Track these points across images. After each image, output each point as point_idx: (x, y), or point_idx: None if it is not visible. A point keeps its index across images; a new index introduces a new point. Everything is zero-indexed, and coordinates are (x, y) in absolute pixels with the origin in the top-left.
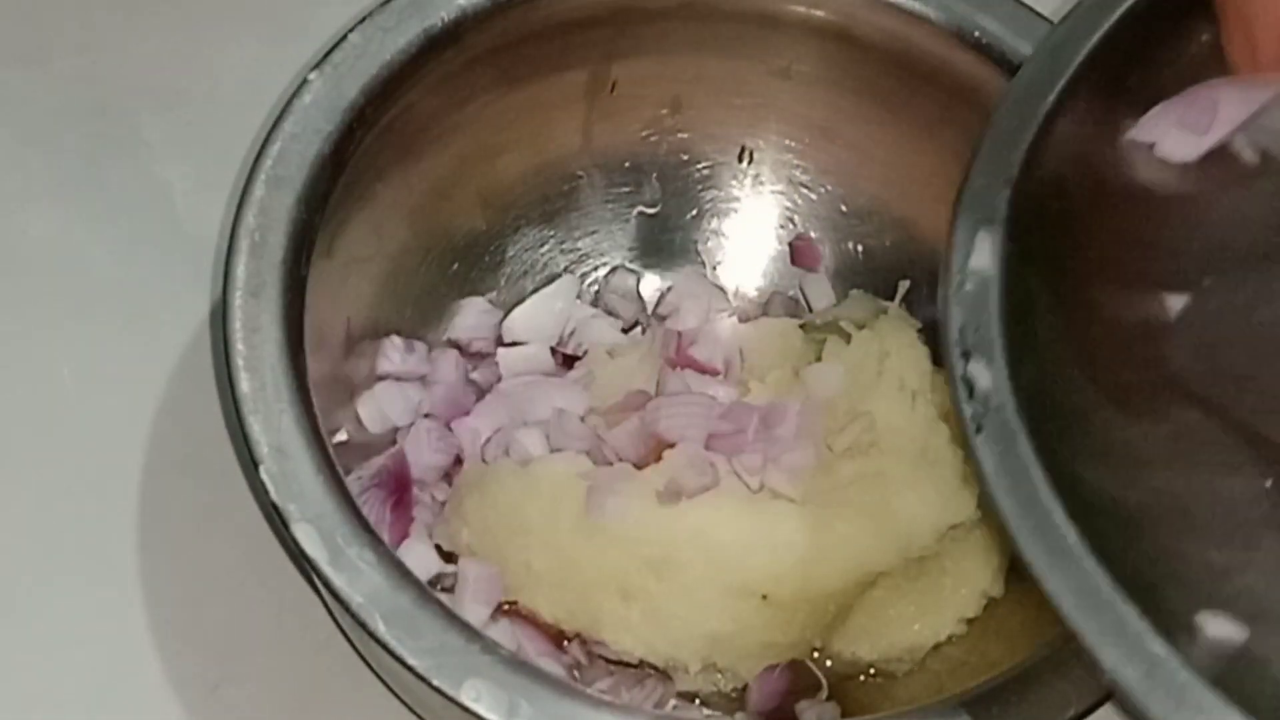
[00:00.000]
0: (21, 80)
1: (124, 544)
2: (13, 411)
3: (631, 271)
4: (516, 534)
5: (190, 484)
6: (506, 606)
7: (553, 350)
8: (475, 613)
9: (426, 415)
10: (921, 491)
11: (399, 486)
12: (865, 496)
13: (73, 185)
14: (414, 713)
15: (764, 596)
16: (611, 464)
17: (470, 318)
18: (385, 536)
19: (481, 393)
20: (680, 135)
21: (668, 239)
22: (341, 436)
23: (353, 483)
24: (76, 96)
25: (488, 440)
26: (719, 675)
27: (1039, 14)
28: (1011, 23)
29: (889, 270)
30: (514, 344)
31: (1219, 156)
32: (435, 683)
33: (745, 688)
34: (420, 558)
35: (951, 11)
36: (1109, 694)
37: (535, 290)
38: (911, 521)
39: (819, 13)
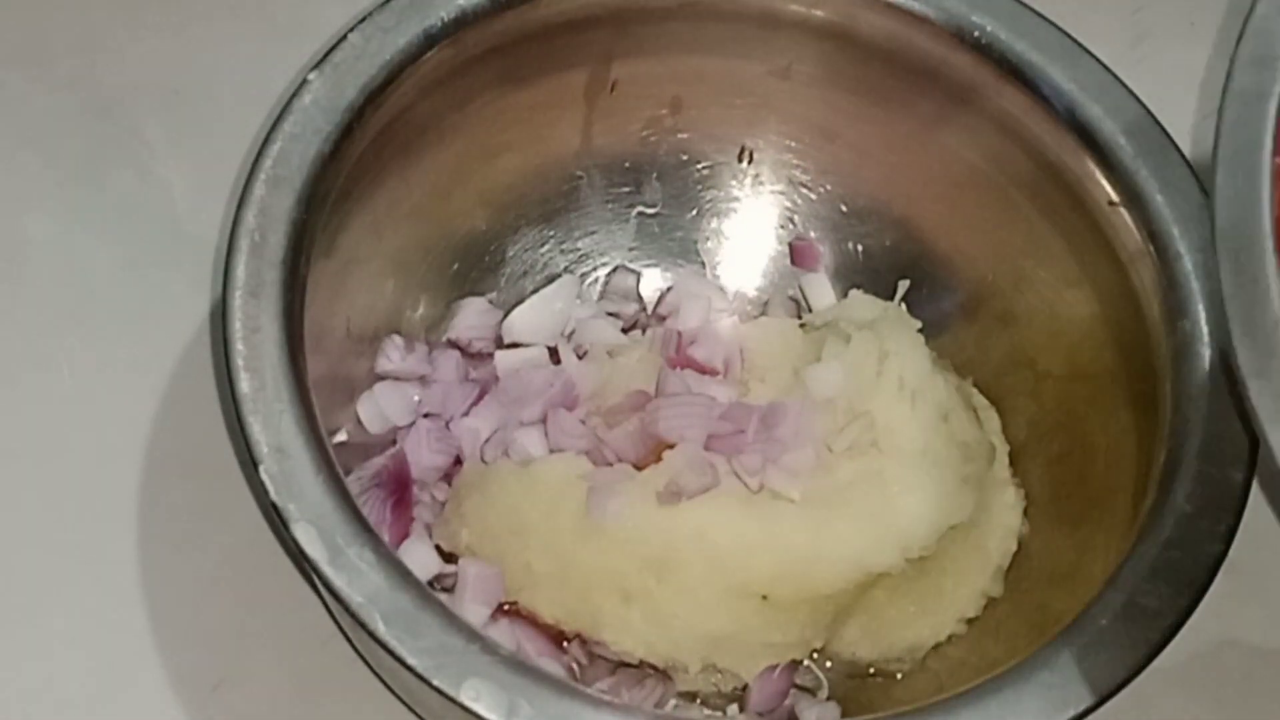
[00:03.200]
0: (21, 80)
1: (124, 544)
2: (13, 412)
3: (631, 271)
4: (516, 535)
5: (190, 484)
6: (507, 607)
7: (551, 351)
8: (475, 613)
9: (426, 415)
10: (921, 492)
11: (399, 486)
12: (865, 497)
13: (73, 186)
14: (414, 713)
15: (764, 597)
16: (611, 464)
17: (470, 318)
18: (385, 536)
19: (481, 393)
20: (680, 135)
21: (668, 239)
22: (341, 436)
23: (352, 483)
24: (76, 96)
25: (487, 440)
26: (719, 675)
27: (1040, 15)
28: (1011, 23)
29: (889, 270)
30: (513, 345)
31: None
32: (435, 683)
33: (745, 688)
34: (420, 558)
35: (951, 12)
36: (1107, 695)
37: (535, 290)
38: (911, 522)
39: (819, 13)
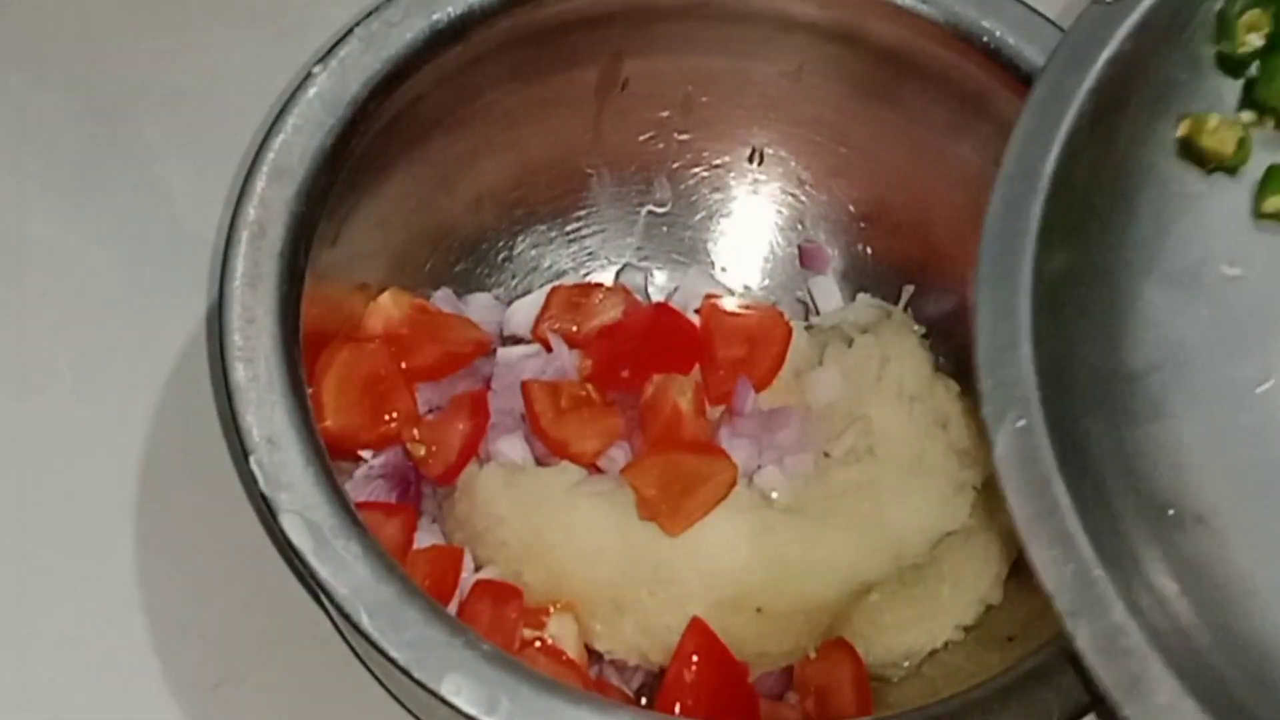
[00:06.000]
0: (21, 80)
1: (123, 544)
2: (11, 411)
3: (640, 270)
4: (507, 543)
5: (189, 485)
6: None
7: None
8: None
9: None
10: (914, 501)
11: (402, 479)
12: (858, 506)
13: (73, 185)
14: (410, 712)
15: (759, 609)
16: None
17: (476, 313)
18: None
19: (486, 388)
20: (690, 135)
21: (676, 238)
22: None
23: (360, 473)
24: (76, 96)
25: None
26: None
27: (1047, 19)
28: (1020, 28)
29: (897, 273)
30: (514, 338)
31: None
32: (416, 676)
33: None
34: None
35: (960, 16)
36: (1091, 704)
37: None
38: (904, 531)
39: (830, 15)
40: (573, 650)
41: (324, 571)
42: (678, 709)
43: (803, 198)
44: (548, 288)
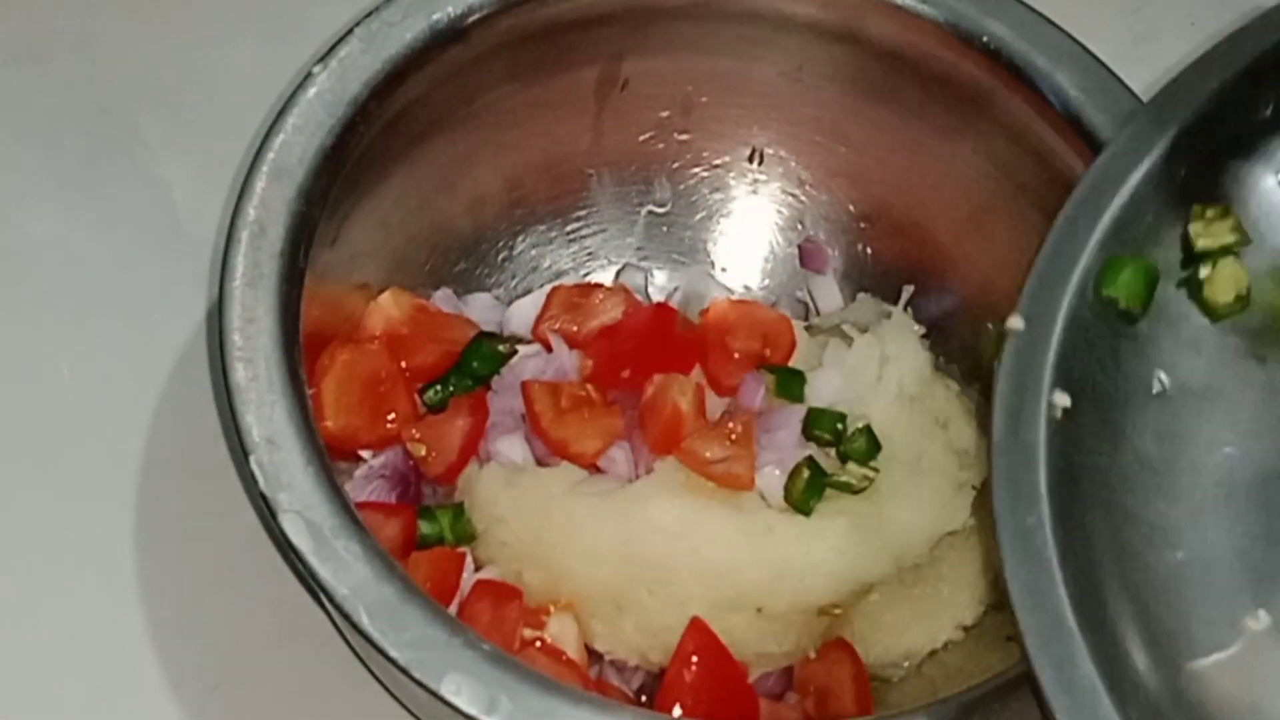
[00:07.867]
0: (21, 80)
1: (123, 544)
2: (13, 411)
3: (640, 270)
4: (507, 543)
5: (189, 485)
6: None
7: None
8: None
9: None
10: (914, 500)
11: (405, 477)
12: (858, 506)
13: (73, 185)
14: (410, 712)
15: (759, 609)
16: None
17: (476, 313)
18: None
19: (487, 388)
20: (690, 135)
21: (676, 238)
22: None
23: (360, 473)
24: (76, 96)
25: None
26: None
27: (1047, 19)
28: (1020, 28)
29: (897, 273)
30: (514, 338)
31: None
32: (416, 676)
33: None
34: None
35: (960, 16)
36: None
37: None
38: (903, 531)
39: (830, 15)
40: (573, 650)
41: (324, 571)
42: (678, 709)
43: (803, 198)
44: (548, 288)
